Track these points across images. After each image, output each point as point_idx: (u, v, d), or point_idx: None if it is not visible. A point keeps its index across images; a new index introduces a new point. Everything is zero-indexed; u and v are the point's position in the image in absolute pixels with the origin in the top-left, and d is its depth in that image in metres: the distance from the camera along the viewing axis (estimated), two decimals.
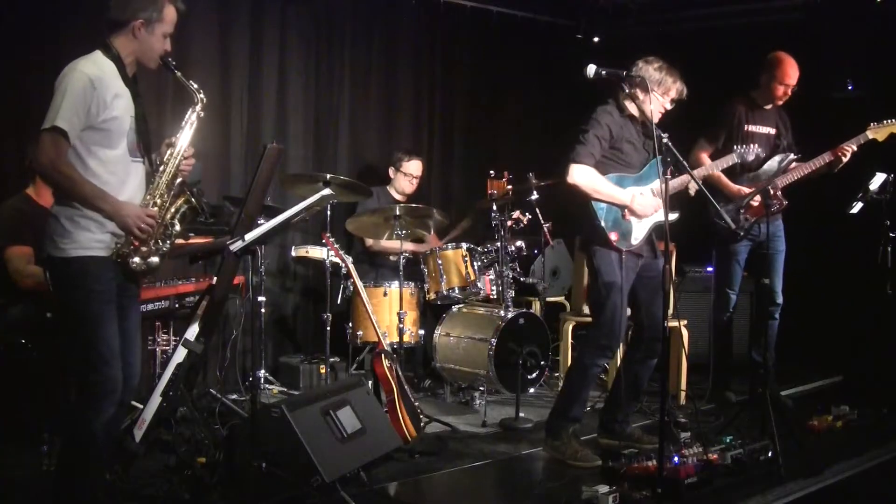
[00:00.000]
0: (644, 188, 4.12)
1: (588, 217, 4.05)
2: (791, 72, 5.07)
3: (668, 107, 4.15)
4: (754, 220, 5.01)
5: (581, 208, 4.08)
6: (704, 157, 5.16)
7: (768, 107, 5.22)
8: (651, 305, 4.18)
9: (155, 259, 3.10)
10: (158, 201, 3.12)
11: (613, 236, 4.03)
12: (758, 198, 4.88)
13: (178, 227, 3.16)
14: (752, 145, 4.61)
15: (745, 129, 5.16)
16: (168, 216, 3.13)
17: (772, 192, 4.94)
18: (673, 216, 4.19)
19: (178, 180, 3.17)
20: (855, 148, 4.90)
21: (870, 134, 4.90)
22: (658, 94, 4.06)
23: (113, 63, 3.06)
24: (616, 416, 4.34)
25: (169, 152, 3.16)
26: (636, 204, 4.05)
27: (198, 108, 3.20)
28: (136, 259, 3.05)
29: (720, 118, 5.18)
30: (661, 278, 4.13)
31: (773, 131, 5.20)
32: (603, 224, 4.02)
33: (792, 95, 5.16)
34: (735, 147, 4.66)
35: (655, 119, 4.11)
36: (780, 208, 5.05)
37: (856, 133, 4.93)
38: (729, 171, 5.05)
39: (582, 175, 3.98)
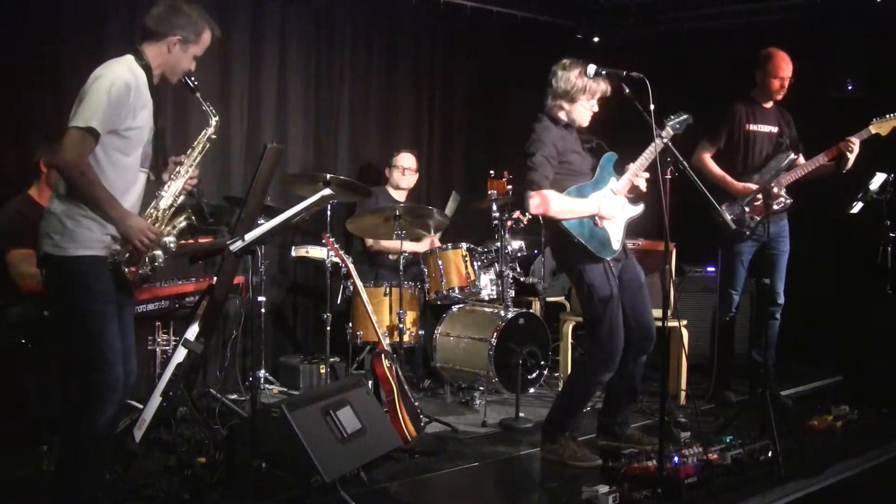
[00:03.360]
0: (604, 191, 4.07)
1: (564, 238, 3.99)
2: (784, 65, 5.09)
3: (595, 109, 4.12)
4: (760, 220, 5.01)
5: (554, 232, 4.05)
6: (707, 157, 5.17)
7: (769, 105, 5.22)
8: (635, 306, 4.13)
9: (147, 270, 3.11)
10: (160, 216, 3.14)
11: (596, 248, 3.98)
12: (761, 196, 4.87)
13: (175, 245, 3.16)
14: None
15: (747, 128, 5.17)
16: (167, 232, 3.14)
17: (775, 190, 4.94)
18: (638, 209, 4.20)
19: (181, 198, 3.20)
20: (859, 142, 4.87)
21: (873, 129, 4.90)
22: (584, 100, 4.05)
23: (144, 72, 3.09)
24: (615, 419, 4.33)
25: (177, 170, 3.20)
26: (604, 208, 4.00)
27: (210, 130, 3.24)
28: (131, 268, 3.06)
29: (720, 119, 5.19)
30: (639, 278, 4.17)
31: (775, 129, 5.19)
32: (581, 240, 3.96)
33: (791, 93, 5.15)
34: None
35: (585, 124, 4.12)
36: (785, 207, 5.05)
37: (856, 133, 4.93)
38: (733, 171, 5.05)
39: (543, 202, 3.92)
